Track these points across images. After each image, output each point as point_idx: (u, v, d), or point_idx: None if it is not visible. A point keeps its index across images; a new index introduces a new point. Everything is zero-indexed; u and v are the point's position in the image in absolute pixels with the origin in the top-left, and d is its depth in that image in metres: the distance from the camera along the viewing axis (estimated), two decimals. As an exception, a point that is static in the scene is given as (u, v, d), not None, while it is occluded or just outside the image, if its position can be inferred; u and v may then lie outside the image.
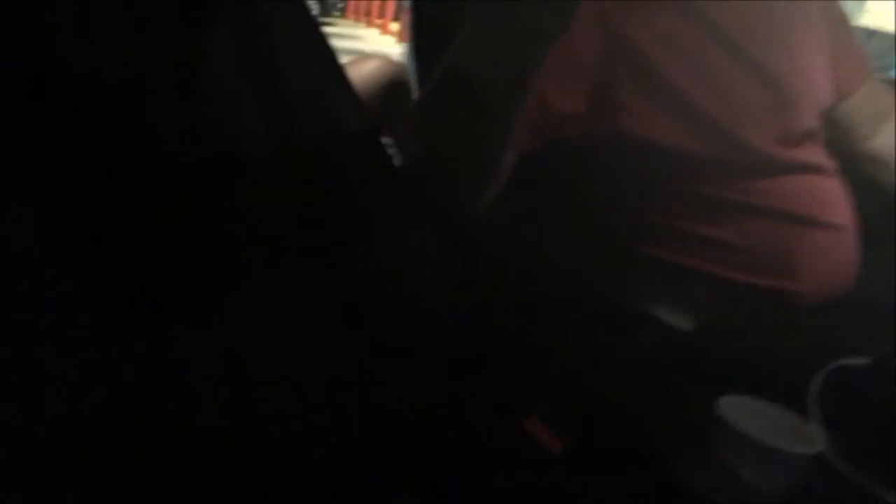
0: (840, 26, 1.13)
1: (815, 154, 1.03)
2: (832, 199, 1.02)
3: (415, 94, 1.07)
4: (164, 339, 0.50)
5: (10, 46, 0.46)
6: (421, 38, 1.03)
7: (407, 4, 1.14)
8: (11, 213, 0.45)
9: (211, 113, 0.54)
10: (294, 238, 0.59)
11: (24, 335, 0.45)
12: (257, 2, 0.58)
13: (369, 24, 8.40)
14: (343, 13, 12.83)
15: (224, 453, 0.53)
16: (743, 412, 0.76)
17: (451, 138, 0.69)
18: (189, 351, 0.51)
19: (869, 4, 1.73)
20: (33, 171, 0.46)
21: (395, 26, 7.45)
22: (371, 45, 4.04)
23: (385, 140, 0.88)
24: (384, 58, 2.44)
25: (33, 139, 0.46)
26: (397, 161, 0.77)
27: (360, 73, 1.52)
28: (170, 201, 0.52)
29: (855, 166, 1.13)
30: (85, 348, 0.47)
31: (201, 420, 0.52)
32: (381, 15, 8.25)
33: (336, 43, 0.62)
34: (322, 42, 0.63)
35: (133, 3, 0.52)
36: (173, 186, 0.52)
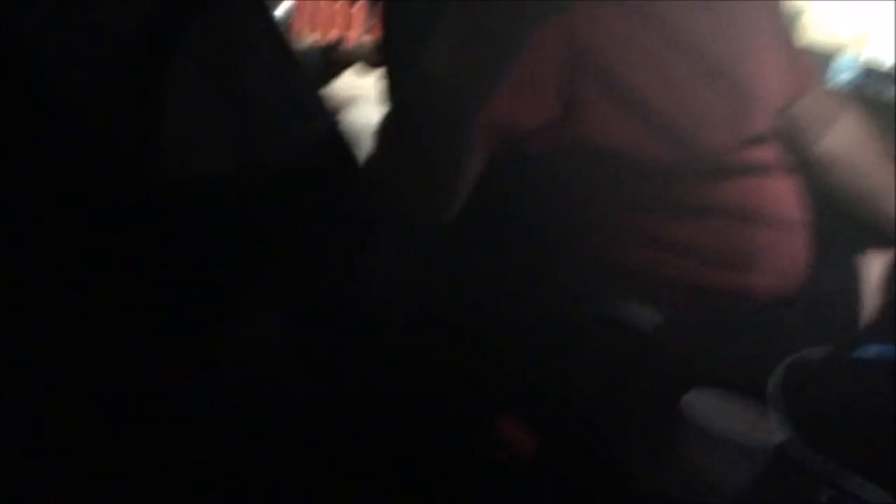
0: (791, 31, 1.17)
1: (772, 154, 1.06)
2: (787, 196, 1.05)
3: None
4: (149, 350, 0.49)
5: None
6: (392, 49, 1.03)
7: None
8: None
9: (178, 126, 0.54)
10: (269, 247, 0.58)
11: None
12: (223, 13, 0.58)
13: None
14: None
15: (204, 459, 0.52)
16: (704, 406, 0.77)
17: (413, 148, 0.69)
18: (173, 361, 0.51)
19: (804, 20, 1.78)
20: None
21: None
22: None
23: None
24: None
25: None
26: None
27: None
28: (139, 219, 0.51)
29: (803, 167, 1.16)
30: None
31: (182, 429, 0.51)
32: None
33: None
34: (285, 44, 0.63)
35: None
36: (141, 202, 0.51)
